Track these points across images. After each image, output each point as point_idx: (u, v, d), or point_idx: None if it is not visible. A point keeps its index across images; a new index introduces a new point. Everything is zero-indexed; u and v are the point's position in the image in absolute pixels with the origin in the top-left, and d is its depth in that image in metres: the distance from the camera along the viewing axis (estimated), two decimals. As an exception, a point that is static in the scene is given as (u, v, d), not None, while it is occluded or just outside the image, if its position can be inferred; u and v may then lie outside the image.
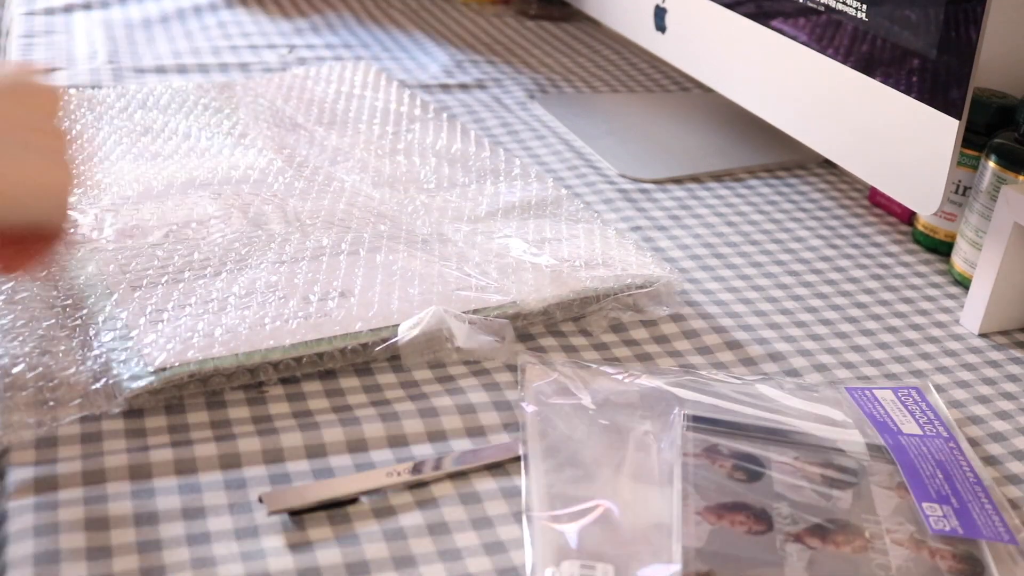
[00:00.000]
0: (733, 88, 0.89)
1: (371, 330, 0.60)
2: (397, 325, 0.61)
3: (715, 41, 0.91)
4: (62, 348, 0.57)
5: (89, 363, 0.56)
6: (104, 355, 0.56)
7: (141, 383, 0.54)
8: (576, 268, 0.68)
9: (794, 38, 0.81)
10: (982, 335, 0.71)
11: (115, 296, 0.60)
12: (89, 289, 0.61)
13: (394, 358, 0.61)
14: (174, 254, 0.65)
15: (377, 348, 0.60)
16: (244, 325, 0.59)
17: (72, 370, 0.55)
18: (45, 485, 0.50)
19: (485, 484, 0.53)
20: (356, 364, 0.60)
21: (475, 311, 0.63)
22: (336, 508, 0.51)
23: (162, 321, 0.59)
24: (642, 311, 0.67)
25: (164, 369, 0.55)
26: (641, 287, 0.67)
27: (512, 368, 0.62)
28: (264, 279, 0.63)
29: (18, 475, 0.50)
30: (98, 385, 0.55)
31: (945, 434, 0.59)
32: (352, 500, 0.51)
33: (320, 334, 0.59)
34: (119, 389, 0.55)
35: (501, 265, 0.68)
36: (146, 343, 0.56)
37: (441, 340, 0.60)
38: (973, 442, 0.60)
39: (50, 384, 0.54)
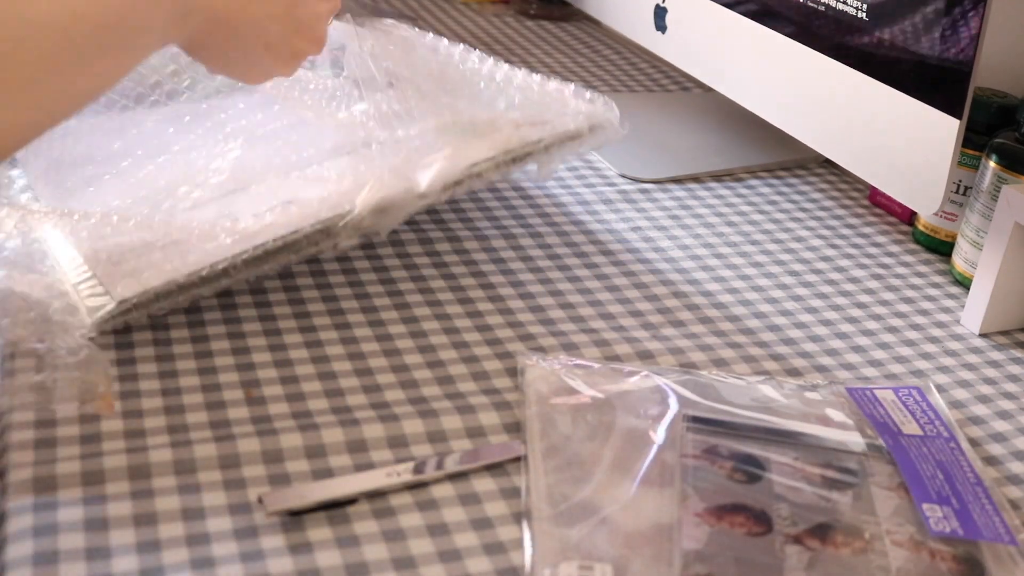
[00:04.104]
0: (733, 88, 0.89)
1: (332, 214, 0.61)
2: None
3: (715, 41, 0.91)
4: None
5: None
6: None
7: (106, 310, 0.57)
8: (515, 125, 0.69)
9: (794, 38, 0.81)
10: (983, 335, 0.71)
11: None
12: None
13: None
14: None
15: (341, 224, 0.61)
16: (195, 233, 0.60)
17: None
18: (44, 485, 0.50)
19: (485, 485, 0.53)
20: (325, 253, 0.62)
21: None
22: (336, 508, 0.50)
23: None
24: (586, 145, 0.70)
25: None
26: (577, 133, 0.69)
27: (512, 369, 0.62)
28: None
29: (17, 475, 0.50)
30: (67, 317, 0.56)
31: (946, 434, 0.59)
32: (352, 500, 0.51)
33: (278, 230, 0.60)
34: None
35: (438, 125, 0.69)
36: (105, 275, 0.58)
37: (407, 196, 0.62)
38: (974, 442, 0.60)
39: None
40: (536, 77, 0.74)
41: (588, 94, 0.72)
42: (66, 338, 0.55)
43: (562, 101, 0.71)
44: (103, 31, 0.50)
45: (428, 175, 0.63)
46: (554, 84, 0.73)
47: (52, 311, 0.56)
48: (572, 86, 0.72)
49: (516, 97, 0.71)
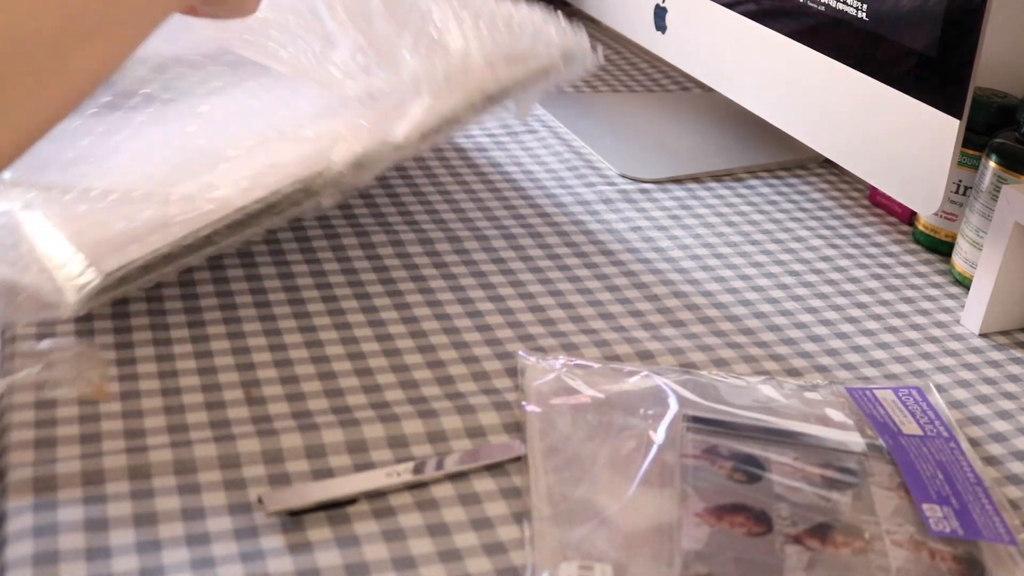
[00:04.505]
0: (733, 88, 0.89)
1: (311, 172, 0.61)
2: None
3: (715, 41, 0.91)
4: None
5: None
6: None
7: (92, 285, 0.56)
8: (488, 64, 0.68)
9: (794, 38, 0.81)
10: (983, 335, 0.71)
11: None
12: None
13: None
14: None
15: (320, 181, 0.61)
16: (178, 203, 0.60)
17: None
18: (44, 485, 0.50)
19: (485, 485, 0.53)
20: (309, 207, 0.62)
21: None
22: (335, 508, 0.50)
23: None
24: (562, 78, 0.69)
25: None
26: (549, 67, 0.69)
27: (512, 369, 0.62)
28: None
29: (17, 475, 0.50)
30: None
31: (946, 434, 0.59)
32: (352, 500, 0.51)
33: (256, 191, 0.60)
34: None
35: (412, 77, 0.68)
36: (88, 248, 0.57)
37: (382, 149, 0.62)
38: (974, 442, 0.60)
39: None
40: (504, 7, 0.71)
41: (562, 22, 0.71)
42: (61, 336, 0.55)
43: (533, 32, 0.70)
44: (106, 6, 0.49)
45: (405, 125, 0.63)
46: (523, 13, 0.71)
47: (40, 291, 0.55)
48: (541, 13, 0.71)
49: (486, 39, 0.70)
